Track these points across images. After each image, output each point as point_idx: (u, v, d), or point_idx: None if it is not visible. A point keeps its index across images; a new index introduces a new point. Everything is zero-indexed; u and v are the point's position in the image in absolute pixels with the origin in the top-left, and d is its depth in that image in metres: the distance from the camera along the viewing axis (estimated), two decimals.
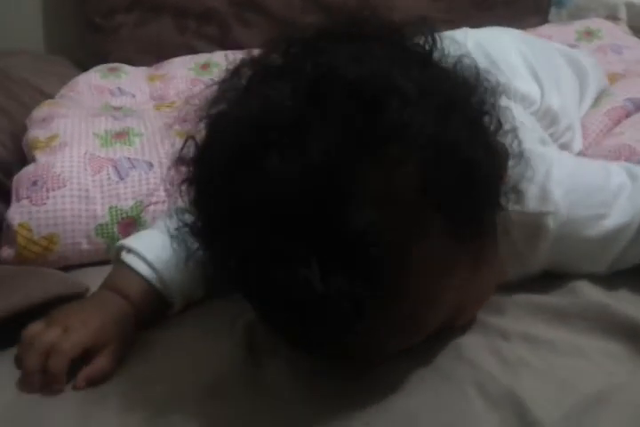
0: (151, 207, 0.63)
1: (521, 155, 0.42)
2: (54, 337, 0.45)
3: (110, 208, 0.62)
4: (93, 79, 0.97)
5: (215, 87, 0.43)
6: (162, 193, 0.63)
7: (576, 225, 0.47)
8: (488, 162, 0.38)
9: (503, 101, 0.57)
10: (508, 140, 0.41)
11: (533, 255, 0.47)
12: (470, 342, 0.45)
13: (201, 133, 0.43)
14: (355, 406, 0.41)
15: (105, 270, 0.62)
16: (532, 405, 0.39)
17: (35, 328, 0.46)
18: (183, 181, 0.43)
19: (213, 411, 0.41)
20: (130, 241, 0.53)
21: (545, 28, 1.07)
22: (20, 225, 0.60)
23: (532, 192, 0.46)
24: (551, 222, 0.46)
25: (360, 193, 0.35)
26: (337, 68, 0.37)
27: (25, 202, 0.61)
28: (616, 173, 0.50)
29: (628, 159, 0.59)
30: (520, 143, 0.42)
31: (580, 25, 1.04)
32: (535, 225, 0.46)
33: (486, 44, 0.67)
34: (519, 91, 0.62)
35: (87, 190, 0.62)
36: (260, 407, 0.42)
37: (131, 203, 0.62)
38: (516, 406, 0.39)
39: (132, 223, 0.62)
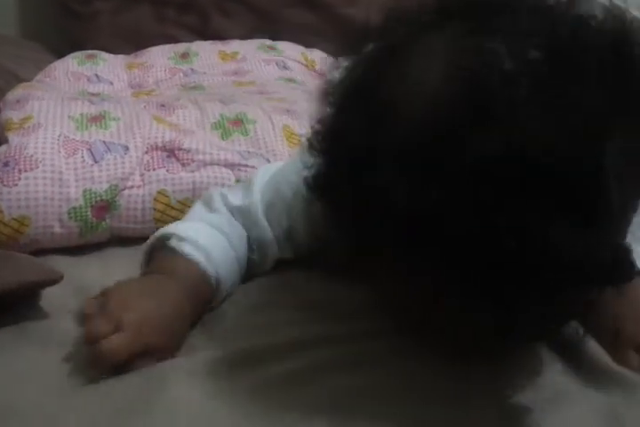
0: (126, 191, 0.62)
1: None
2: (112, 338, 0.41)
3: (84, 191, 0.61)
4: (70, 66, 0.95)
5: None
6: (137, 177, 0.63)
7: None
8: None
9: None
10: None
11: None
12: None
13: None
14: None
15: (77, 260, 0.61)
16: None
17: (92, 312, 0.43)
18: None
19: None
20: (183, 232, 0.50)
21: None
22: None
23: None
24: None
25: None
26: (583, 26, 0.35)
27: None
28: None
29: None
30: None
31: None
32: None
33: None
34: None
35: (60, 173, 0.61)
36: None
37: (105, 186, 0.61)
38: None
39: (106, 207, 0.62)
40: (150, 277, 0.49)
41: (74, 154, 0.63)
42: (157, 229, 0.62)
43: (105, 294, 0.45)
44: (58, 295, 0.55)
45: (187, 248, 0.49)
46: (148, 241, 0.52)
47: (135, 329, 0.42)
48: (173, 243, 0.50)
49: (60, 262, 0.60)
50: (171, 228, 0.52)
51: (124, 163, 0.63)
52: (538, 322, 0.36)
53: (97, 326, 0.42)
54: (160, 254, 0.51)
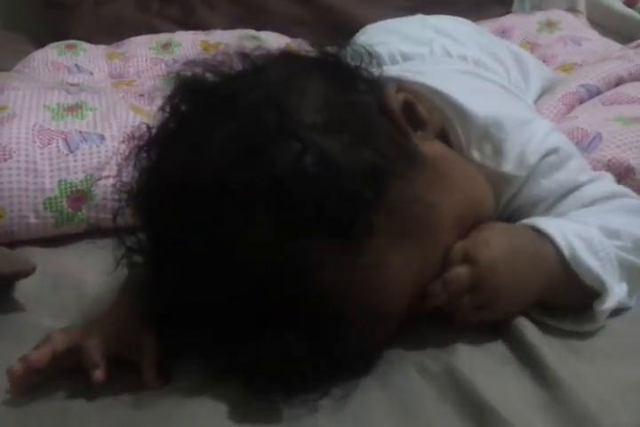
0: (102, 181, 0.62)
1: None
2: None
3: (59, 181, 0.60)
4: (50, 56, 0.94)
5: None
6: (114, 166, 0.62)
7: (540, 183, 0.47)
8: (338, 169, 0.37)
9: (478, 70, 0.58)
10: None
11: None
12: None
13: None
14: None
15: (54, 252, 0.60)
16: (470, 376, 0.39)
17: None
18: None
19: None
20: None
21: (508, 18, 1.08)
22: None
23: (511, 154, 0.46)
24: (519, 184, 0.47)
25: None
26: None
27: None
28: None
29: (580, 141, 0.60)
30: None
31: (541, 16, 1.05)
32: (504, 183, 0.47)
33: (448, 31, 0.69)
34: (488, 64, 0.63)
35: (35, 163, 0.60)
36: None
37: (81, 176, 0.61)
38: (455, 378, 0.40)
39: (82, 197, 0.61)
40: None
41: (49, 144, 0.62)
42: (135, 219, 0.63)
43: None
44: (34, 287, 0.54)
45: None
46: None
47: None
48: None
49: (36, 254, 0.59)
50: None
51: (99, 152, 0.62)
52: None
53: None
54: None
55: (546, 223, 0.44)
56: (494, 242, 0.41)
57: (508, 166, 0.46)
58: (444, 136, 0.47)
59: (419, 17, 0.77)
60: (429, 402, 0.38)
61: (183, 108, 0.41)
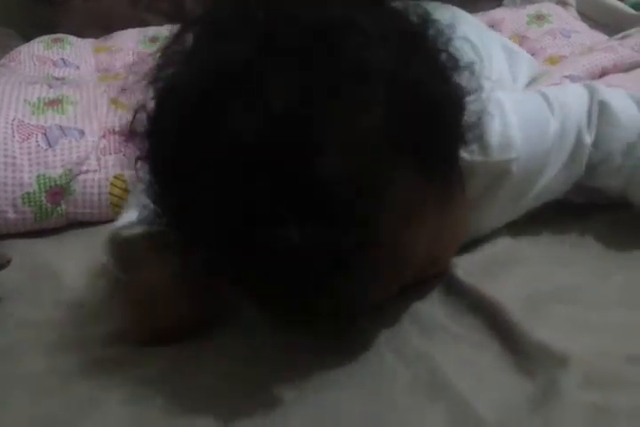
0: (81, 176, 0.62)
1: (479, 90, 0.41)
2: None
3: (38, 176, 0.61)
4: (36, 49, 0.94)
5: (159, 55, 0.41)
6: (93, 162, 0.63)
7: (535, 164, 0.47)
8: (451, 99, 0.39)
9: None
10: (465, 77, 0.41)
11: (490, 207, 0.48)
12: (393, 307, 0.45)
13: (148, 105, 0.42)
14: (267, 361, 0.42)
15: (34, 243, 0.61)
16: (443, 365, 0.40)
17: None
18: (140, 156, 0.41)
19: None
20: None
21: (498, 12, 1.08)
22: None
23: (494, 141, 0.46)
24: (514, 168, 0.47)
25: (325, 140, 0.34)
26: (289, 11, 0.36)
27: None
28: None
29: None
30: (478, 79, 0.42)
31: (531, 9, 1.05)
32: (498, 172, 0.47)
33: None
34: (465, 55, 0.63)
35: (14, 157, 0.61)
36: None
37: (60, 171, 0.61)
38: (429, 365, 0.40)
39: (60, 192, 0.61)
40: None
41: (28, 138, 0.62)
42: (115, 213, 0.63)
43: None
44: (12, 278, 0.54)
45: None
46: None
47: None
48: None
49: (16, 246, 0.60)
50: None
51: (79, 147, 0.62)
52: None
53: None
54: None
55: None
56: None
57: (495, 154, 0.46)
58: None
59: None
60: (401, 388, 0.39)
61: None
